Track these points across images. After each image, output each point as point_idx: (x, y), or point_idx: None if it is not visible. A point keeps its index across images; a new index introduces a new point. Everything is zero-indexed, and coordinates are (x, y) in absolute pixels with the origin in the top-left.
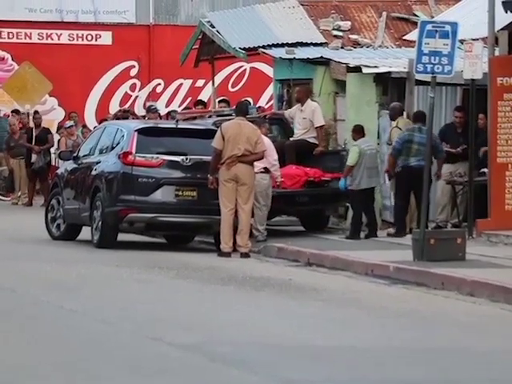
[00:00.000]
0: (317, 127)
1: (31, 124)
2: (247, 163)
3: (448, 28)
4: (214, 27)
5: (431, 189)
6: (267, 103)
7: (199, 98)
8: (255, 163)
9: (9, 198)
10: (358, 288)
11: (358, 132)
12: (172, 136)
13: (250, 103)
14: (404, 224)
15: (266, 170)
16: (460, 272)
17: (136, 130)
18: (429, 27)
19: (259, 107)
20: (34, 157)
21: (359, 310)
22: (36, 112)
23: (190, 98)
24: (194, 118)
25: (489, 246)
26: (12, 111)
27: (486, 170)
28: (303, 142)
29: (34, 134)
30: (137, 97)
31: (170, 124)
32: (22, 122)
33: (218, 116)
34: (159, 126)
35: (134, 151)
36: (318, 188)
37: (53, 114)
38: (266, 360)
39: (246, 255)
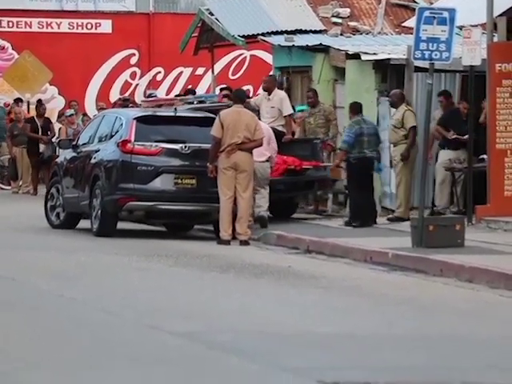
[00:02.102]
0: (285, 116)
1: (32, 113)
2: (246, 150)
3: (446, 14)
4: (213, 15)
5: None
6: None
7: (199, 86)
8: (264, 152)
9: (9, 187)
10: (357, 275)
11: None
12: (171, 124)
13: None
14: (361, 213)
15: (267, 159)
16: (459, 258)
17: (135, 118)
18: (426, 14)
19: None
20: (41, 147)
21: (359, 298)
22: (40, 102)
23: (190, 86)
24: (160, 106)
25: (488, 233)
26: (15, 100)
27: (485, 156)
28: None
29: (38, 124)
30: (137, 85)
31: (169, 112)
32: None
33: (184, 104)
34: (158, 114)
35: (132, 139)
36: (295, 176)
37: (53, 103)
38: (265, 348)
39: (245, 243)
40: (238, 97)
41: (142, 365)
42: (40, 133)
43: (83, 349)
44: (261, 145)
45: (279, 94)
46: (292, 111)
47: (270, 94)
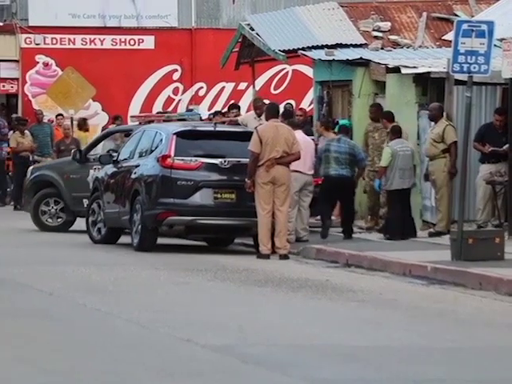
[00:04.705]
0: None
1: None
2: (284, 164)
3: (484, 27)
4: (253, 30)
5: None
6: (309, 105)
7: (241, 101)
8: (309, 164)
9: None
10: (394, 288)
11: (395, 133)
12: (210, 139)
13: (292, 106)
14: (327, 229)
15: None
16: (498, 271)
17: (174, 133)
18: (465, 26)
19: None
20: None
21: (395, 311)
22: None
23: (232, 101)
24: (151, 121)
25: None
26: (57, 115)
27: None
28: None
29: None
30: (180, 100)
31: (208, 127)
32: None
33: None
34: (197, 128)
35: (172, 154)
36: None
37: (97, 119)
38: (298, 360)
39: (284, 257)
40: (273, 111)
41: (171, 378)
42: None
43: (115, 361)
44: (298, 158)
45: None
46: None
47: (259, 116)
